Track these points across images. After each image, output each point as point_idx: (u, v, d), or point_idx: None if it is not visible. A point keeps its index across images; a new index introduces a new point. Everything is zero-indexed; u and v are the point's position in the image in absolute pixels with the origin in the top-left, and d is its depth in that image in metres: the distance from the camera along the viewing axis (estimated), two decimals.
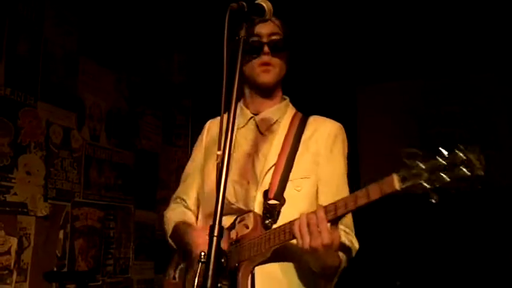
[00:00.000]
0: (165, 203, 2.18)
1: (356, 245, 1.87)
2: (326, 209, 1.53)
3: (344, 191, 1.82)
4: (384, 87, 5.19)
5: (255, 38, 1.91)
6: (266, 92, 1.99)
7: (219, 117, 1.76)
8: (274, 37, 1.93)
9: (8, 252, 3.02)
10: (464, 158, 1.31)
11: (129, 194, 4.10)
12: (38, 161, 3.28)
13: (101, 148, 3.86)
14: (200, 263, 1.37)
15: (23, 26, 3.25)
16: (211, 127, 2.08)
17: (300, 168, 1.85)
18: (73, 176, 3.57)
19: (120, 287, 3.95)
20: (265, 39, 1.92)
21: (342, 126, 2.01)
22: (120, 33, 4.07)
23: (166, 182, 4.46)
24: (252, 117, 2.00)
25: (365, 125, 5.10)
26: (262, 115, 2.00)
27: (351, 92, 5.27)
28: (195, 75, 4.87)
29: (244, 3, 1.54)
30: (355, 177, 1.99)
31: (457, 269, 4.52)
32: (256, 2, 1.62)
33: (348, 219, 1.86)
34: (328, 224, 1.52)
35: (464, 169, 1.30)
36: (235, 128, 1.85)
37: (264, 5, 1.62)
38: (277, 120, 1.99)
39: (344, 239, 1.74)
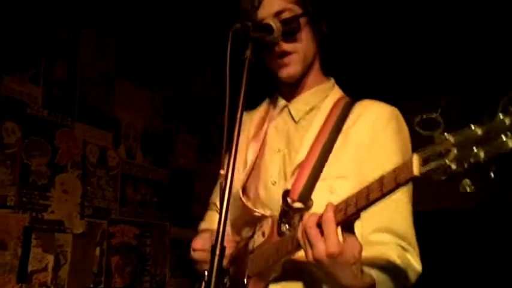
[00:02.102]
0: (201, 219, 2.10)
1: (417, 267, 1.42)
2: (337, 207, 1.21)
3: (397, 195, 1.20)
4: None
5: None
6: (295, 83, 1.69)
7: (252, 111, 1.72)
8: (283, 15, 1.61)
9: (45, 269, 3.11)
10: (509, 121, 0.90)
11: (164, 211, 4.16)
12: (75, 180, 3.38)
13: (136, 166, 3.93)
14: (204, 282, 1.34)
15: (59, 49, 3.36)
16: (245, 121, 1.76)
17: (336, 164, 1.52)
18: (109, 194, 3.65)
19: None
20: None
21: (396, 110, 1.61)
22: (153, 52, 4.15)
23: (202, 199, 4.50)
24: (286, 105, 1.72)
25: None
26: (296, 100, 1.70)
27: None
28: (230, 91, 4.90)
29: (249, 23, 1.48)
30: None
31: None
32: (265, 21, 1.56)
33: (405, 227, 1.45)
34: (338, 228, 1.20)
35: (505, 138, 0.90)
36: (267, 121, 1.76)
37: (273, 24, 1.54)
38: (315, 106, 1.68)
39: (382, 254, 1.35)
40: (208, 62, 4.78)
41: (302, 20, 1.62)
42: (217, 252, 1.25)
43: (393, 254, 1.38)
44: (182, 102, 4.48)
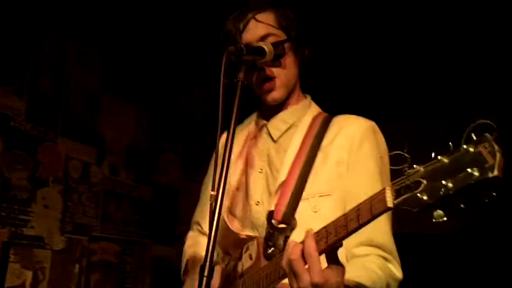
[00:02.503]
0: (183, 238, 2.10)
1: (397, 275, 1.48)
2: (317, 235, 1.23)
3: None
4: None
5: None
6: (278, 105, 1.72)
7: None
8: (268, 40, 1.65)
9: (23, 285, 3.04)
10: (472, 151, 0.93)
11: (146, 229, 4.11)
12: (56, 195, 3.33)
13: (119, 183, 3.89)
14: None
15: (45, 63, 3.33)
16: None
17: (317, 183, 1.55)
18: (91, 210, 3.60)
19: None
20: None
21: (374, 124, 1.64)
22: (140, 68, 4.14)
23: (186, 218, 4.45)
24: (264, 124, 1.75)
25: None
26: (274, 120, 1.72)
27: None
28: (216, 110, 4.90)
29: (243, 47, 1.51)
30: None
31: None
32: (257, 44, 1.60)
33: (386, 239, 1.51)
34: (322, 256, 1.22)
35: (470, 170, 0.92)
36: (246, 139, 1.77)
37: (265, 47, 1.58)
38: (293, 124, 1.70)
39: (358, 273, 1.38)
40: (196, 80, 4.78)
41: (286, 45, 1.68)
42: (206, 273, 1.26)
43: (374, 266, 1.44)
44: (167, 120, 4.46)
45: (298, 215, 1.51)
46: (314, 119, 1.69)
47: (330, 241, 1.20)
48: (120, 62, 3.95)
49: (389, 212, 1.47)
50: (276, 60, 1.64)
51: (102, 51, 3.78)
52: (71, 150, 3.47)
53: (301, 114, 1.72)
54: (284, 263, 1.26)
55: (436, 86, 4.67)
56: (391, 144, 1.59)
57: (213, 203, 1.33)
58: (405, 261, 1.54)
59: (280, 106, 1.73)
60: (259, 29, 1.67)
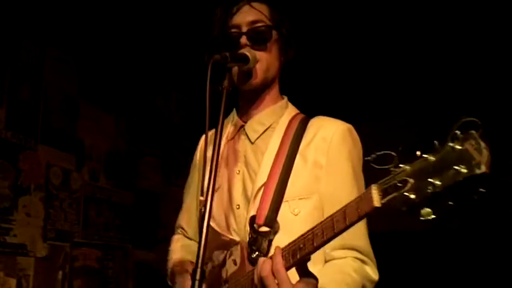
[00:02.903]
0: (166, 242, 2.08)
1: (373, 276, 1.52)
2: (283, 251, 1.28)
3: None
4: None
5: (233, 30, 1.67)
6: (255, 95, 1.73)
7: (212, 130, 1.61)
8: (255, 25, 1.66)
9: None
10: (459, 148, 0.93)
11: (127, 233, 4.13)
12: (38, 203, 3.34)
13: (100, 188, 3.91)
14: None
15: (24, 71, 3.34)
16: (210, 141, 1.73)
17: (297, 185, 1.56)
18: (72, 216, 3.61)
19: None
20: (244, 29, 1.66)
21: (350, 127, 1.65)
22: (117, 74, 4.16)
23: (166, 222, 4.49)
24: (242, 125, 1.74)
25: None
26: (251, 121, 1.72)
27: None
28: (194, 114, 4.94)
29: (227, 54, 1.53)
30: None
31: None
32: (240, 51, 1.63)
33: (363, 242, 1.55)
34: (293, 270, 1.27)
35: (458, 168, 0.93)
36: (224, 141, 1.75)
37: (248, 54, 1.61)
38: (270, 126, 1.70)
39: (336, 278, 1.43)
40: (172, 85, 4.81)
41: (274, 33, 1.70)
42: (198, 277, 1.29)
43: (350, 269, 1.48)
44: (146, 125, 4.49)
45: (280, 218, 1.52)
46: (291, 121, 1.69)
47: (301, 254, 1.24)
48: (97, 69, 3.96)
49: (365, 219, 1.52)
50: (261, 44, 1.66)
51: (79, 58, 3.79)
52: (51, 157, 3.48)
53: (278, 116, 1.72)
54: (256, 279, 1.31)
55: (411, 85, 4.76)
56: (367, 144, 1.66)
57: (203, 208, 1.35)
58: (381, 261, 1.59)
59: (256, 103, 1.74)
60: (251, 14, 1.68)
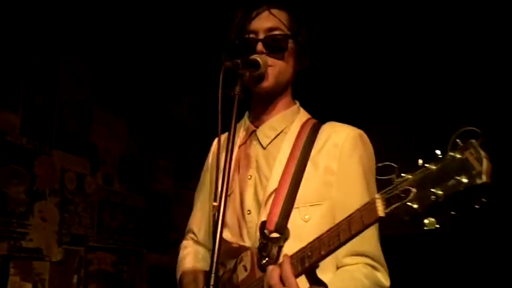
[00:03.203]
0: (178, 245, 2.06)
1: (384, 283, 1.52)
2: (292, 259, 1.29)
3: None
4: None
5: (251, 35, 1.68)
6: (267, 99, 1.73)
7: (225, 134, 1.61)
8: (273, 32, 1.68)
9: None
10: (459, 157, 0.94)
11: (141, 237, 4.17)
12: (53, 208, 3.37)
13: (113, 192, 3.94)
14: None
15: (39, 78, 3.38)
16: (217, 146, 1.70)
17: (308, 191, 1.56)
18: (86, 220, 3.65)
19: None
20: (261, 36, 1.67)
21: (362, 132, 1.65)
22: (130, 79, 4.19)
23: (179, 225, 4.51)
24: (254, 130, 1.74)
25: None
26: (263, 126, 1.72)
27: None
28: (206, 118, 4.97)
29: (238, 61, 1.54)
30: None
31: None
32: (252, 57, 1.63)
33: (374, 249, 1.54)
34: (302, 277, 1.28)
35: (458, 177, 0.94)
36: (236, 146, 1.73)
37: (259, 59, 1.61)
38: (282, 131, 1.70)
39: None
40: (184, 89, 4.84)
41: (290, 42, 1.70)
42: (212, 282, 1.29)
43: (362, 275, 1.48)
44: (158, 129, 4.52)
45: (290, 224, 1.52)
46: (303, 126, 1.69)
47: (309, 262, 1.26)
48: (110, 74, 4.00)
49: (377, 226, 1.54)
50: (277, 52, 1.67)
51: (92, 64, 3.83)
52: (66, 162, 3.52)
53: (290, 121, 1.71)
54: (265, 287, 1.32)
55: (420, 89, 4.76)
56: (378, 147, 1.66)
57: (216, 214, 1.35)
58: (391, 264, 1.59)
59: (269, 109, 1.73)
60: (270, 20, 1.68)
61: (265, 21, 1.68)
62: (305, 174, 1.58)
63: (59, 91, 3.53)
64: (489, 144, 0.93)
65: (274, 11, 1.70)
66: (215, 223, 1.35)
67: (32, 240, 3.18)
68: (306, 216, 1.53)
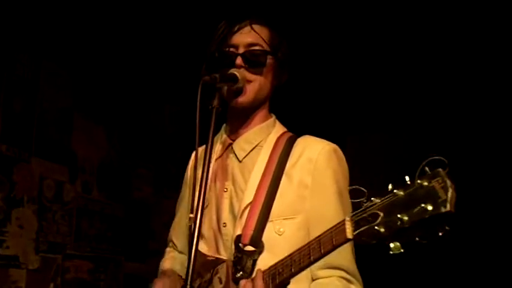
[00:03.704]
0: (157, 254, 2.10)
1: None
2: (264, 274, 1.35)
3: None
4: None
5: (231, 49, 1.70)
6: (243, 113, 1.74)
7: (202, 147, 1.60)
8: (253, 48, 1.69)
9: None
10: (426, 185, 0.98)
11: (119, 245, 4.15)
12: (31, 215, 3.36)
13: (92, 200, 3.93)
14: None
15: (19, 84, 3.38)
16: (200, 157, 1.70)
17: (282, 205, 1.58)
18: (64, 228, 3.63)
19: None
20: (241, 50, 1.69)
21: (336, 147, 1.67)
22: (111, 87, 4.19)
23: (158, 234, 4.51)
24: (230, 143, 1.76)
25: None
26: (239, 139, 1.74)
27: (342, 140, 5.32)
28: (186, 126, 4.97)
29: (216, 76, 1.57)
30: None
31: None
32: (230, 71, 1.66)
33: (348, 262, 1.56)
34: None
35: (424, 205, 0.97)
36: (213, 159, 1.74)
37: (237, 73, 1.64)
38: (258, 144, 1.71)
39: None
40: (167, 97, 4.85)
41: (269, 58, 1.72)
42: None
43: None
44: (139, 137, 4.52)
45: (265, 237, 1.53)
46: (278, 139, 1.71)
47: (281, 278, 1.31)
48: (91, 82, 4.00)
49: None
50: (256, 67, 1.69)
51: (74, 71, 3.83)
52: (45, 169, 3.51)
53: (266, 134, 1.73)
54: None
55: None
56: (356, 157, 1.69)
57: (192, 226, 1.38)
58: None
59: (246, 122, 1.75)
60: (251, 36, 1.70)
61: (246, 36, 1.70)
62: (280, 188, 1.60)
63: (39, 98, 3.52)
64: (456, 174, 0.97)
65: (255, 26, 1.72)
66: (191, 235, 1.37)
67: (8, 248, 3.17)
68: (281, 230, 1.54)
